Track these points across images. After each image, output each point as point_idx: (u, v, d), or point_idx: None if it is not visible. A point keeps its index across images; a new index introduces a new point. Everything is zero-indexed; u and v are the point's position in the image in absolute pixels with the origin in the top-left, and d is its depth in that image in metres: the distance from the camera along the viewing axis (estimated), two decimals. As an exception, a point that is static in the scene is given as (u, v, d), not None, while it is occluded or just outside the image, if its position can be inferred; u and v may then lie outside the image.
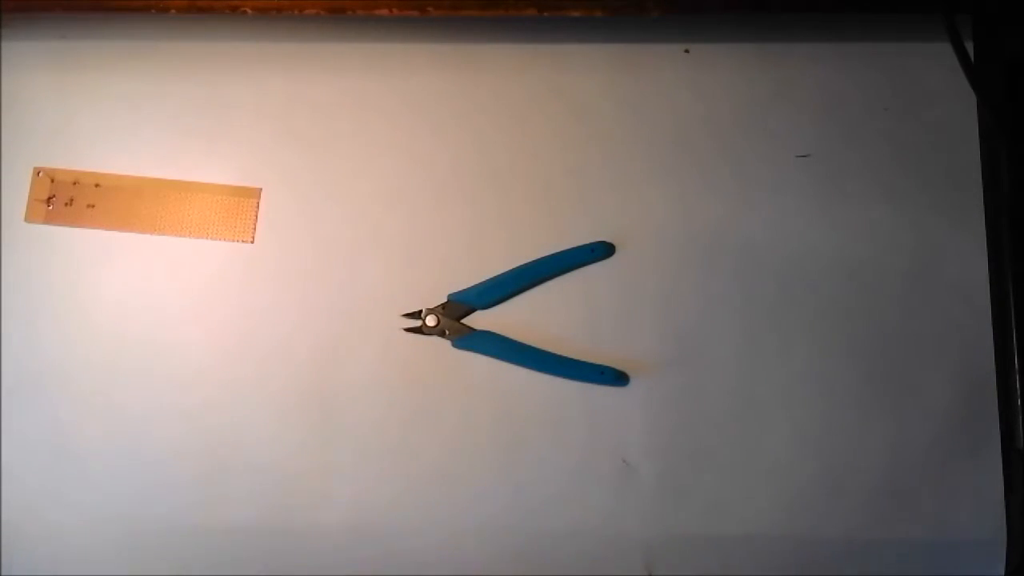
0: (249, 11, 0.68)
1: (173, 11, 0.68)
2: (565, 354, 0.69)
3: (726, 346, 0.69)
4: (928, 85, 0.72)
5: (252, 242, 0.71)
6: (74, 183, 0.71)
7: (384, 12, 0.68)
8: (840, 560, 0.67)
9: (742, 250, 0.70)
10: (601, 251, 0.70)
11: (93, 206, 0.71)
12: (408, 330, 0.70)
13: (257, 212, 0.71)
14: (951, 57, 0.66)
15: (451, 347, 0.70)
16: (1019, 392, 0.68)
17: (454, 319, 0.70)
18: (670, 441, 0.69)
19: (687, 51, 0.73)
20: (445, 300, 0.70)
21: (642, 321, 0.70)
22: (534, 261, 0.70)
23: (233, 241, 0.70)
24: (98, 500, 0.69)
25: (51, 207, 0.71)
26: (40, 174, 0.71)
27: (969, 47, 0.68)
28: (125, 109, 0.73)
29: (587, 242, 0.70)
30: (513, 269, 0.70)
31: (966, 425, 0.68)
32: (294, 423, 0.69)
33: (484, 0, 0.68)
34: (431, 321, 0.70)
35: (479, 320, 0.70)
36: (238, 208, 0.71)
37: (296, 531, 0.68)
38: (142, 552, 0.68)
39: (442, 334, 0.70)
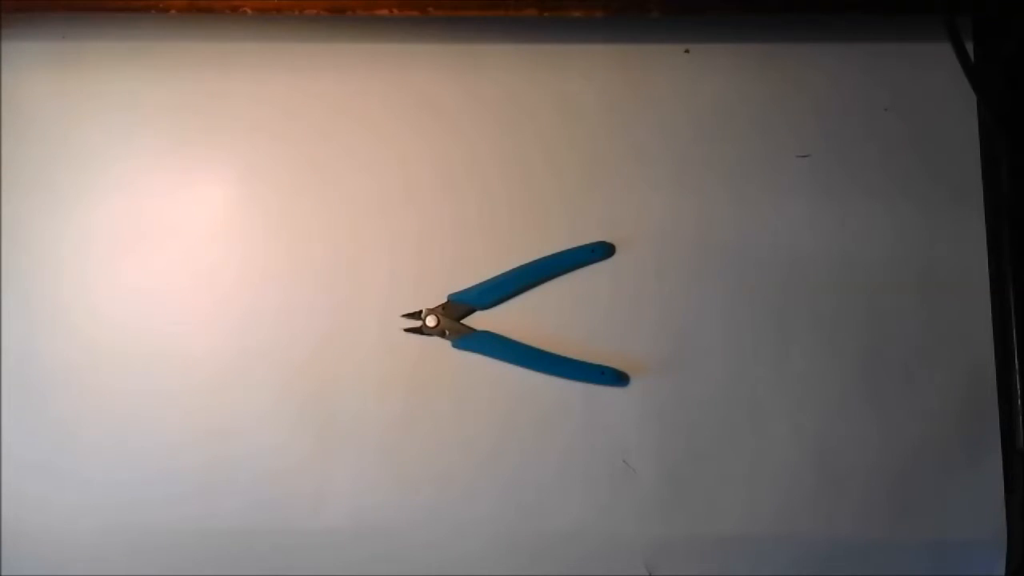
0: (249, 11, 0.68)
1: (173, 11, 0.68)
2: (565, 354, 0.69)
3: (726, 346, 0.69)
4: (928, 85, 0.72)
5: None
6: None
7: (384, 12, 0.68)
8: (840, 560, 0.67)
9: (743, 250, 0.70)
10: (601, 251, 0.70)
11: None
12: (408, 330, 0.70)
13: None
14: (951, 57, 0.66)
15: (451, 347, 0.70)
16: (1019, 392, 0.68)
17: (454, 319, 0.70)
18: (670, 441, 0.69)
19: (687, 51, 0.73)
20: (445, 300, 0.70)
21: (642, 321, 0.70)
22: (534, 261, 0.70)
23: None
24: (98, 500, 0.69)
25: None
26: None
27: (969, 47, 0.68)
28: (125, 110, 0.73)
29: (587, 242, 0.70)
30: (513, 269, 0.70)
31: (966, 425, 0.68)
32: (294, 423, 0.69)
33: (485, 0, 0.68)
34: (431, 321, 0.70)
35: (479, 320, 0.70)
36: None
37: (296, 531, 0.68)
38: (142, 552, 0.68)
39: (442, 334, 0.70)
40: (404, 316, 0.70)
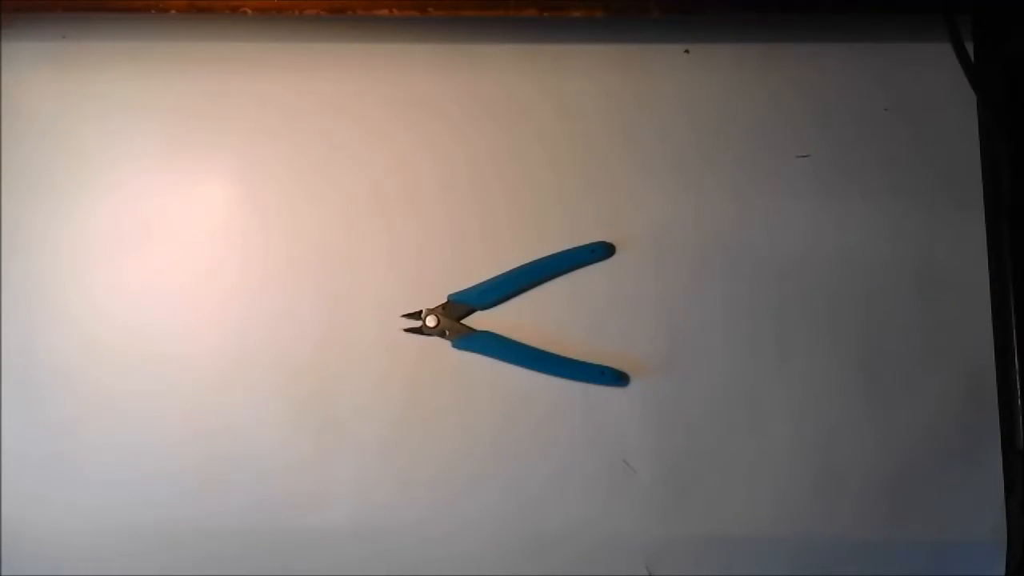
0: (249, 11, 0.68)
1: (173, 11, 0.68)
2: (565, 354, 0.69)
3: (726, 346, 0.69)
4: (928, 85, 0.72)
5: None
6: None
7: (384, 12, 0.68)
8: (840, 560, 0.67)
9: (743, 250, 0.70)
10: (601, 251, 0.70)
11: None
12: (408, 330, 0.70)
13: None
14: (951, 57, 0.66)
15: (451, 347, 0.70)
16: (1019, 392, 0.68)
17: (454, 319, 0.70)
18: (670, 441, 0.69)
19: (687, 51, 0.73)
20: (445, 300, 0.70)
21: (642, 321, 0.70)
22: (534, 261, 0.70)
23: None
24: (98, 500, 0.69)
25: None
26: None
27: (969, 47, 0.68)
28: (125, 110, 0.73)
29: (587, 242, 0.70)
30: (513, 269, 0.70)
31: (966, 425, 0.68)
32: (294, 423, 0.69)
33: (485, 0, 0.68)
34: (431, 321, 0.70)
35: (479, 320, 0.70)
36: None
37: (296, 531, 0.68)
38: (142, 552, 0.68)
39: (442, 334, 0.70)
40: (404, 316, 0.70)
